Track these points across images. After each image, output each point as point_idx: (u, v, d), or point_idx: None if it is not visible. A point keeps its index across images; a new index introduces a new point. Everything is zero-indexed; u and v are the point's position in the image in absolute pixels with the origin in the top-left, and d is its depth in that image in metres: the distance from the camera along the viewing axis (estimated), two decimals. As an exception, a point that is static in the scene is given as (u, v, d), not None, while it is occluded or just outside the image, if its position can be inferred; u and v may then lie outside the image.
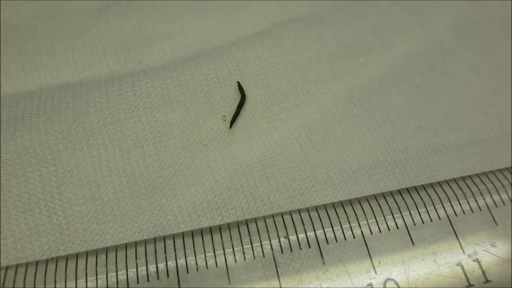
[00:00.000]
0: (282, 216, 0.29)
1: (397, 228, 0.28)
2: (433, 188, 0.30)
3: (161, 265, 0.26)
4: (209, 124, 0.33)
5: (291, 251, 0.27)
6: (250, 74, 0.35)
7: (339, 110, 0.34)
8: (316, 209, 0.29)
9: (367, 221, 0.29)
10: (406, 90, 0.36)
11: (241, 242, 0.27)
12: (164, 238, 0.28)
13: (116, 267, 0.26)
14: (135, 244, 0.27)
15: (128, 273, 0.26)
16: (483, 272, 0.27)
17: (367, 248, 0.28)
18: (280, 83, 0.35)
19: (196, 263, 0.27)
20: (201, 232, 0.28)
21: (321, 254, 0.27)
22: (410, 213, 0.29)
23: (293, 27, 0.38)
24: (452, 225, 0.28)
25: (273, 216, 0.29)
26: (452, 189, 0.30)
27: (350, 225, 0.29)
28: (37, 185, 0.29)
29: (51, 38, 0.37)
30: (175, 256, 0.27)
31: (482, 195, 0.29)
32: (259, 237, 0.28)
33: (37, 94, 0.32)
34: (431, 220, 0.29)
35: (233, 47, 0.37)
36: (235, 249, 0.27)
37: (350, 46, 0.38)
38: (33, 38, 0.37)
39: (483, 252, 0.28)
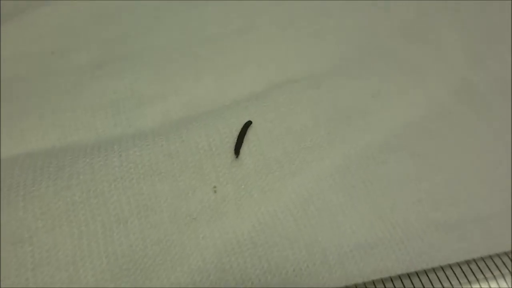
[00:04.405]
0: (274, 303, 0.27)
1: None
2: (435, 273, 0.28)
3: None
4: (199, 196, 0.31)
5: None
6: (244, 140, 0.34)
7: (336, 180, 0.33)
8: (311, 294, 0.27)
9: (365, 310, 0.27)
10: (405, 159, 0.34)
11: (229, 333, 0.25)
12: (145, 327, 0.26)
13: None
14: (114, 334, 0.25)
15: None
16: None
17: None
18: (275, 150, 0.34)
19: None
20: (186, 320, 0.26)
21: None
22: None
23: (290, 90, 0.38)
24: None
25: (263, 302, 0.27)
26: (456, 275, 0.28)
27: (347, 314, 0.27)
28: (11, 267, 0.27)
29: (40, 99, 0.36)
30: None
31: (487, 281, 0.28)
32: (248, 328, 0.26)
33: (20, 162, 0.31)
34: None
35: (226, 112, 0.35)
36: None
37: (348, 110, 0.37)
38: (21, 99, 0.36)
39: None
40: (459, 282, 0.27)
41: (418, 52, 0.42)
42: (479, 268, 0.28)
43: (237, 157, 0.33)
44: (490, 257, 0.29)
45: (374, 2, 0.46)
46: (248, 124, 0.34)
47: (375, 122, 0.36)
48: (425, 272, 0.28)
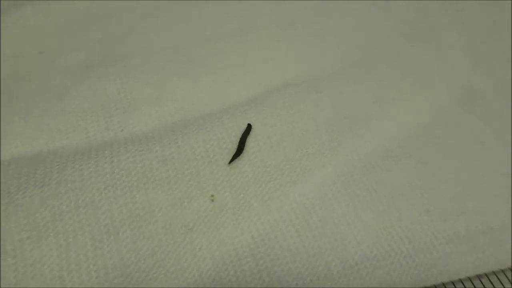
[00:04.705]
0: (275, 321, 0.25)
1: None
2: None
3: None
4: (196, 205, 0.29)
5: None
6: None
7: (339, 189, 0.31)
8: (315, 311, 0.26)
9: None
10: (411, 167, 0.33)
11: None
12: None
13: None
14: None
15: None
16: None
17: None
18: (275, 156, 0.32)
19: None
20: None
21: None
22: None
23: (289, 94, 0.36)
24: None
25: (264, 320, 0.25)
26: (468, 292, 0.26)
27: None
28: (-8, 282, 0.25)
29: (28, 102, 0.34)
30: None
31: (501, 297, 0.26)
32: None
33: (5, 168, 0.29)
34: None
35: (224, 116, 0.34)
36: None
37: (350, 115, 0.35)
38: (7, 100, 0.34)
39: None
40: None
41: (420, 54, 0.41)
42: (491, 283, 0.27)
43: (229, 163, 0.31)
44: (503, 271, 0.27)
45: (374, 2, 0.45)
46: (249, 129, 0.32)
47: (378, 128, 0.35)
48: (435, 287, 0.27)
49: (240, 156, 0.32)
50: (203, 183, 0.30)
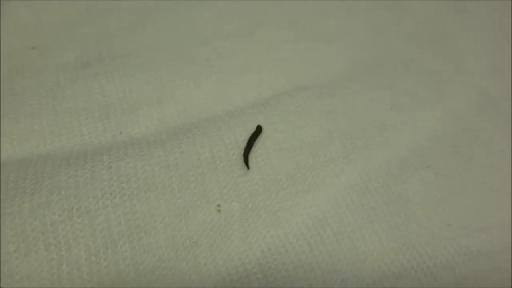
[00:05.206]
0: None
1: None
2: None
3: None
4: (201, 216, 0.27)
5: None
6: (251, 153, 0.30)
7: (353, 200, 0.29)
8: (331, 336, 0.24)
9: None
10: (429, 178, 0.31)
11: None
12: None
13: None
14: None
15: None
16: None
17: None
18: (286, 164, 0.30)
19: None
20: None
21: None
22: None
23: (301, 98, 0.34)
24: None
25: None
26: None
27: None
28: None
29: (17, 100, 0.31)
30: None
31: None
32: None
33: (-9, 172, 0.27)
34: None
35: (231, 119, 0.32)
36: None
37: (365, 122, 0.34)
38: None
39: None
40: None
41: (431, 58, 0.39)
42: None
43: (248, 168, 0.29)
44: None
45: (378, 3, 0.43)
46: (259, 131, 0.30)
47: (394, 136, 0.33)
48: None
49: (249, 163, 0.29)
50: (208, 192, 0.28)
